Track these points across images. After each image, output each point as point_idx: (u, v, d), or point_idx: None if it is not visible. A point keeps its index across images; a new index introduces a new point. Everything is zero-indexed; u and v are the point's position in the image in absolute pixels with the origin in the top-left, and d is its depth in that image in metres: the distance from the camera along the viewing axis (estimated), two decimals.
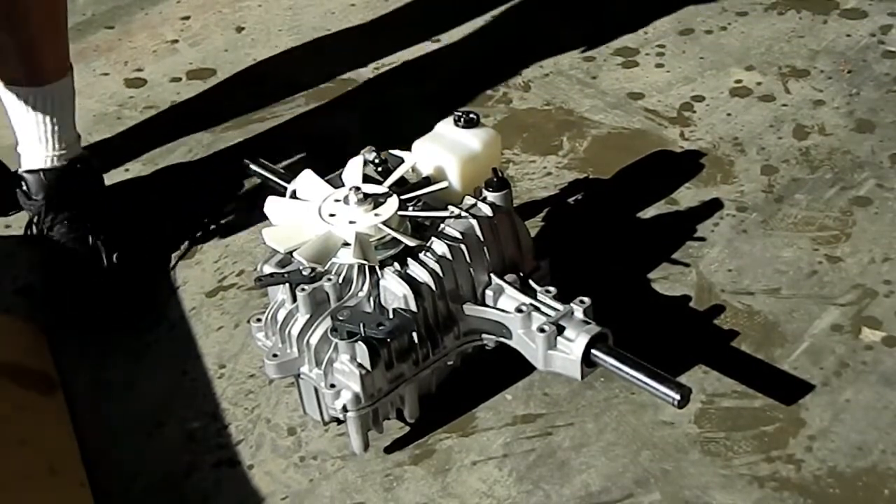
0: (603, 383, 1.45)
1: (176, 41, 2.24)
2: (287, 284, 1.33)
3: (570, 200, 1.75)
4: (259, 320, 1.40)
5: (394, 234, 1.34)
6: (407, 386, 1.36)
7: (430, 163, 1.45)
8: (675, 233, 1.66)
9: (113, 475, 1.40)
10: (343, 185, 1.41)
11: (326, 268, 1.34)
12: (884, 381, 1.42)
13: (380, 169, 1.46)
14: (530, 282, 1.40)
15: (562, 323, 1.32)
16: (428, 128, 1.49)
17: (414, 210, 1.39)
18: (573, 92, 1.98)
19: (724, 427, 1.39)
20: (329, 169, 1.47)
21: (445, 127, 1.48)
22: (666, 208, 1.71)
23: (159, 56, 2.19)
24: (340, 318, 1.29)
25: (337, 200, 1.38)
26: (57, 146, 1.68)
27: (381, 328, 1.28)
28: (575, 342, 1.30)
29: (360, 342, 1.28)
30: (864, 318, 1.51)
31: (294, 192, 1.44)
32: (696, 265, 1.61)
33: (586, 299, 1.34)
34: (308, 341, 1.32)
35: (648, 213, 1.71)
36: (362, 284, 1.34)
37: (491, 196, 1.41)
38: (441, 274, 1.35)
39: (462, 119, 1.46)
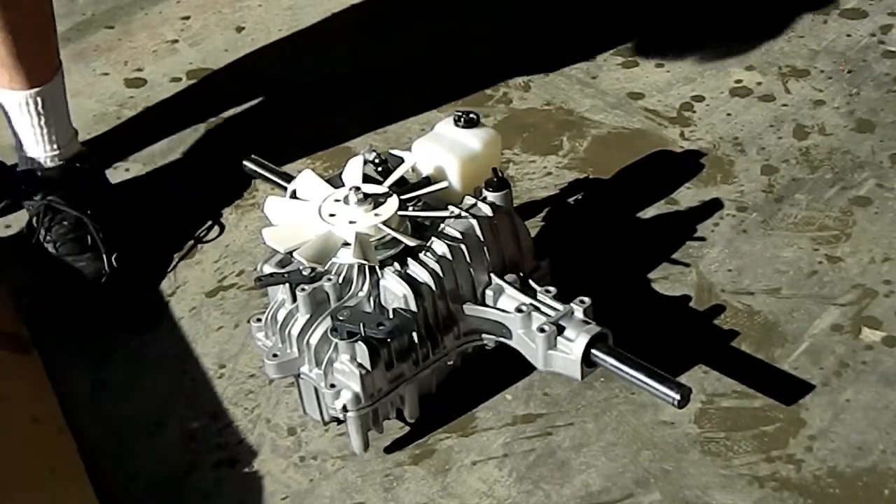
0: (603, 383, 1.45)
1: (176, 41, 2.24)
2: (287, 284, 1.33)
3: (570, 200, 1.75)
4: (259, 320, 1.40)
5: (394, 234, 1.34)
6: (407, 386, 1.36)
7: (430, 163, 1.45)
8: (675, 233, 1.66)
9: (113, 475, 1.40)
10: (343, 185, 1.41)
11: (326, 268, 1.34)
12: (884, 381, 1.42)
13: (380, 169, 1.46)
14: (530, 282, 1.40)
15: (562, 323, 1.32)
16: (428, 128, 1.49)
17: (414, 210, 1.39)
18: (573, 92, 1.98)
19: (724, 427, 1.39)
20: (329, 169, 1.47)
21: (445, 127, 1.48)
22: (666, 208, 1.71)
23: (159, 56, 2.19)
24: (340, 318, 1.29)
25: (337, 200, 1.38)
26: (53, 146, 1.68)
27: (381, 328, 1.28)
28: (575, 342, 1.31)
29: (360, 342, 1.28)
30: (864, 318, 1.51)
31: (294, 192, 1.44)
32: (696, 265, 1.61)
33: (586, 299, 1.34)
34: (308, 341, 1.32)
35: (648, 213, 1.71)
36: (362, 284, 1.34)
37: (491, 196, 1.41)
38: (441, 274, 1.35)
39: (462, 119, 1.46)
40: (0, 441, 1.36)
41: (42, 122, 1.65)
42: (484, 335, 1.40)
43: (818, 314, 1.52)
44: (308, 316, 1.33)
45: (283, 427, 1.44)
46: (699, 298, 1.56)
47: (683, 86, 1.97)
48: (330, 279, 1.33)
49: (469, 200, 1.41)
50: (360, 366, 1.29)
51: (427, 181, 1.44)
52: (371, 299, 1.33)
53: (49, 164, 1.68)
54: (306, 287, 1.32)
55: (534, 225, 1.69)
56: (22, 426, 1.40)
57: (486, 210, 1.39)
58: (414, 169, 1.46)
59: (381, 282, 1.34)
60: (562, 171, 1.81)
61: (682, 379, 1.33)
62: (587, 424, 1.41)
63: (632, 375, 1.28)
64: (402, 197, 1.39)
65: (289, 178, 1.54)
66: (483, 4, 2.25)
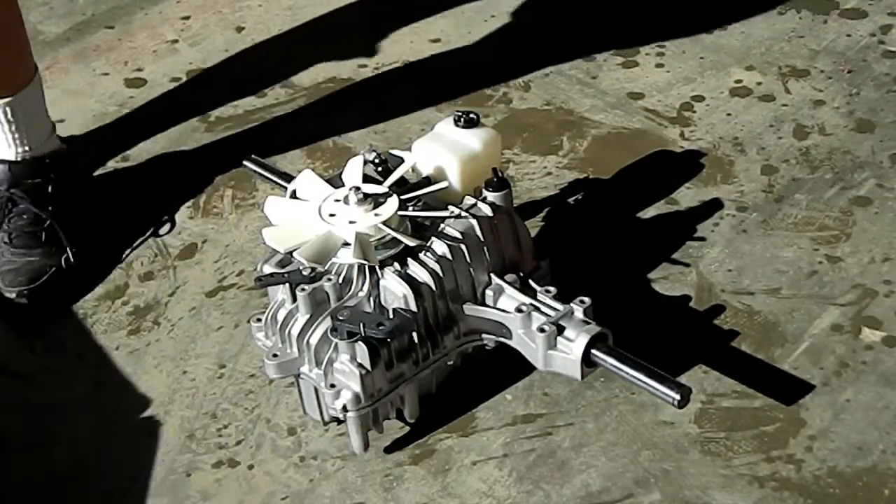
0: (603, 383, 1.45)
1: (176, 41, 2.23)
2: (287, 284, 1.33)
3: (570, 200, 1.75)
4: (259, 320, 1.40)
5: (394, 234, 1.34)
6: (407, 386, 1.36)
7: (430, 163, 1.45)
8: (675, 233, 1.66)
9: (113, 475, 1.40)
10: (343, 185, 1.41)
11: (326, 268, 1.34)
12: (884, 381, 1.42)
13: (380, 169, 1.46)
14: (530, 282, 1.40)
15: (562, 323, 1.32)
16: (428, 128, 1.49)
17: (414, 210, 1.39)
18: (573, 92, 1.98)
19: (724, 427, 1.39)
20: (329, 169, 1.47)
21: (445, 127, 1.48)
22: (666, 208, 1.71)
23: (159, 56, 2.19)
24: (340, 318, 1.29)
25: (337, 200, 1.38)
26: (24, 147, 1.67)
27: (381, 328, 1.28)
28: (575, 342, 1.31)
29: (360, 342, 1.28)
30: (864, 318, 1.51)
31: (294, 192, 1.44)
32: (696, 265, 1.61)
33: (586, 299, 1.34)
34: (308, 341, 1.32)
35: (648, 213, 1.70)
36: (362, 284, 1.34)
37: (491, 196, 1.41)
38: (441, 274, 1.35)
39: (462, 119, 1.46)
40: None
41: (12, 129, 1.65)
42: (484, 335, 1.40)
43: (818, 314, 1.52)
44: (308, 316, 1.33)
45: (283, 427, 1.44)
46: (699, 298, 1.56)
47: (683, 86, 1.97)
48: (330, 279, 1.33)
49: (469, 200, 1.41)
50: (360, 366, 1.29)
51: (427, 181, 1.44)
52: (371, 299, 1.33)
53: (20, 158, 1.68)
54: (306, 287, 1.32)
55: (534, 225, 1.69)
56: None
57: (486, 210, 1.39)
58: (414, 169, 1.46)
59: (381, 282, 1.34)
60: (562, 171, 1.80)
61: (682, 379, 1.33)
62: (587, 424, 1.41)
63: (632, 375, 1.28)
64: (402, 197, 1.39)
65: (289, 178, 1.54)
66: (483, 4, 2.25)
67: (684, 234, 1.66)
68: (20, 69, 1.67)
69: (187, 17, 2.30)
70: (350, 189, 1.37)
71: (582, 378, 1.32)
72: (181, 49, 2.21)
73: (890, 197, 1.70)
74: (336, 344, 1.30)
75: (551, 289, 1.38)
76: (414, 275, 1.34)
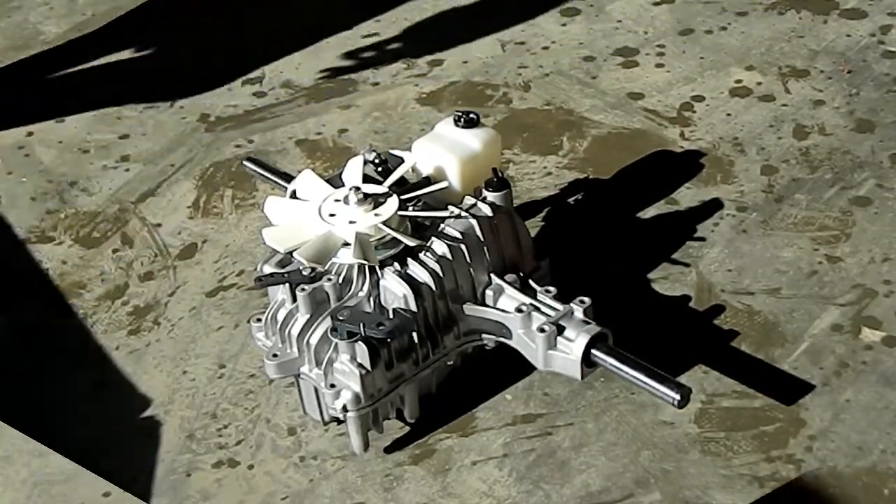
0: (603, 383, 1.45)
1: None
2: (287, 284, 1.33)
3: (570, 200, 1.75)
4: (259, 320, 1.40)
5: (394, 234, 1.34)
6: (407, 386, 1.36)
7: (430, 163, 1.45)
8: (675, 233, 1.66)
9: (113, 475, 1.40)
10: (343, 185, 1.41)
11: (326, 268, 1.34)
12: (884, 381, 1.42)
13: (380, 169, 1.46)
14: (530, 282, 1.40)
15: (562, 323, 1.32)
16: (428, 128, 1.49)
17: (414, 210, 1.39)
18: (573, 92, 1.98)
19: (724, 427, 1.39)
20: (329, 169, 1.47)
21: (445, 127, 1.48)
22: (666, 208, 1.71)
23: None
24: (340, 318, 1.29)
25: (337, 200, 1.38)
26: None
27: (381, 328, 1.28)
28: (575, 342, 1.30)
29: (360, 342, 1.28)
30: (864, 318, 1.51)
31: (294, 192, 1.44)
32: (696, 265, 1.61)
33: (586, 299, 1.34)
34: (308, 341, 1.32)
35: (648, 213, 1.70)
36: (362, 284, 1.34)
37: (491, 196, 1.41)
38: (441, 274, 1.35)
39: (462, 119, 1.46)
40: None
41: None
42: (484, 335, 1.40)
43: (818, 314, 1.52)
44: (308, 316, 1.33)
45: (283, 427, 1.44)
46: (699, 298, 1.56)
47: (683, 86, 1.97)
48: (330, 279, 1.33)
49: (469, 200, 1.41)
50: (360, 366, 1.29)
51: (427, 181, 1.44)
52: (371, 299, 1.33)
53: None
54: (306, 287, 1.32)
55: (534, 225, 1.69)
56: None
57: (486, 210, 1.39)
58: (414, 169, 1.46)
59: (381, 282, 1.33)
60: (562, 171, 1.80)
61: (682, 379, 1.33)
62: (587, 424, 1.41)
63: (632, 375, 1.28)
64: (402, 197, 1.39)
65: (289, 178, 1.54)
66: (483, 4, 2.25)
67: (684, 234, 1.66)
68: None
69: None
70: (350, 189, 1.37)
71: (582, 378, 1.32)
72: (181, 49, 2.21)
73: (890, 197, 1.70)
74: (336, 344, 1.30)
75: (551, 289, 1.38)
76: (414, 275, 1.34)
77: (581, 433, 1.40)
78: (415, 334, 1.33)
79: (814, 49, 2.02)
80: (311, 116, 1.99)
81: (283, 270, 1.36)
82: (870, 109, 1.87)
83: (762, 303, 1.54)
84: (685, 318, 1.54)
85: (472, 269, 1.37)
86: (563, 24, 2.16)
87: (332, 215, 1.36)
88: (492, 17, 2.20)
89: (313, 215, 1.37)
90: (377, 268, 1.34)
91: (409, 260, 1.35)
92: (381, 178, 1.43)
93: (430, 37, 2.17)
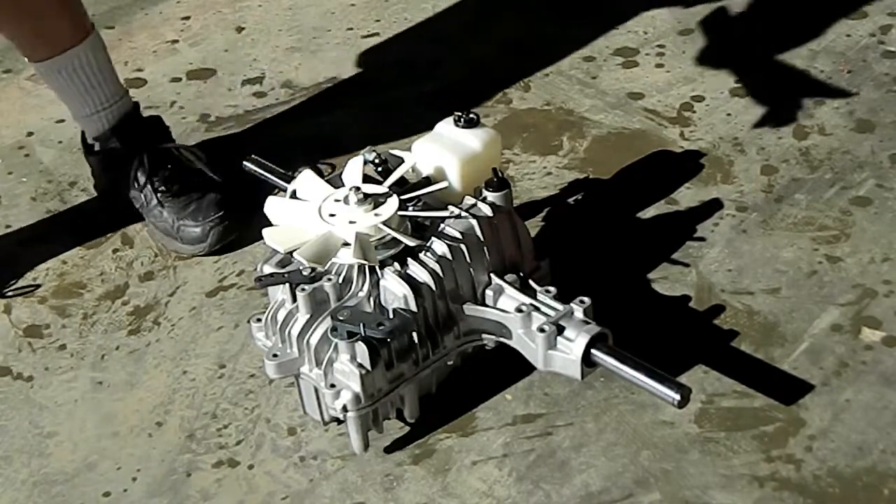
0: (603, 383, 1.45)
1: (176, 41, 2.24)
2: (287, 284, 1.33)
3: (570, 200, 1.75)
4: (259, 320, 1.40)
5: (394, 234, 1.34)
6: (407, 386, 1.36)
7: (430, 163, 1.45)
8: (675, 233, 1.66)
9: (113, 475, 1.40)
10: (343, 185, 1.41)
11: (326, 268, 1.34)
12: (884, 381, 1.42)
13: (380, 169, 1.46)
14: (530, 282, 1.40)
15: (562, 323, 1.32)
16: (428, 128, 1.49)
17: (414, 210, 1.39)
18: (573, 92, 1.98)
19: (724, 427, 1.39)
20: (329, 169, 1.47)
21: (445, 127, 1.48)
22: (666, 208, 1.71)
23: (159, 56, 2.19)
24: (340, 318, 1.29)
25: (337, 200, 1.38)
26: (104, 102, 1.73)
27: (381, 328, 1.28)
28: (575, 342, 1.31)
29: (360, 342, 1.28)
30: (864, 318, 1.51)
31: (294, 192, 1.44)
32: (696, 265, 1.61)
33: (586, 299, 1.34)
34: (308, 341, 1.32)
35: (648, 213, 1.71)
36: (362, 284, 1.34)
37: (491, 196, 1.41)
38: (441, 274, 1.35)
39: (462, 119, 1.46)
40: None
41: (87, 82, 1.71)
42: (484, 335, 1.40)
43: (818, 314, 1.52)
44: (308, 316, 1.33)
45: (283, 427, 1.44)
46: (699, 298, 1.56)
47: (683, 86, 1.97)
48: (330, 279, 1.33)
49: (469, 200, 1.41)
50: (360, 366, 1.29)
51: (427, 181, 1.44)
52: (371, 299, 1.33)
53: (110, 122, 1.76)
54: (306, 287, 1.32)
55: (534, 225, 1.69)
56: None
57: (486, 210, 1.39)
58: (414, 169, 1.46)
59: (381, 282, 1.34)
60: (562, 171, 1.81)
61: (682, 379, 1.33)
62: (587, 424, 1.41)
63: (632, 375, 1.28)
64: (402, 197, 1.39)
65: (289, 178, 1.54)
66: (483, 4, 2.25)
67: (684, 234, 1.66)
68: (75, 23, 1.70)
69: (187, 18, 2.30)
70: (350, 189, 1.37)
71: (582, 378, 1.32)
72: (181, 49, 2.21)
73: (890, 197, 1.70)
74: (336, 344, 1.30)
75: (551, 289, 1.38)
76: (414, 275, 1.34)
77: (581, 433, 1.40)
78: (415, 334, 1.33)
79: (814, 49, 2.02)
80: (311, 116, 1.99)
81: (283, 270, 1.36)
82: (870, 109, 1.87)
83: (762, 303, 1.54)
84: (685, 318, 1.54)
85: (472, 269, 1.37)
86: (563, 24, 2.16)
87: (332, 215, 1.36)
88: (492, 17, 2.20)
89: (313, 215, 1.37)
90: (377, 268, 1.34)
91: (409, 260, 1.35)
92: (381, 178, 1.43)
93: (430, 37, 2.17)
